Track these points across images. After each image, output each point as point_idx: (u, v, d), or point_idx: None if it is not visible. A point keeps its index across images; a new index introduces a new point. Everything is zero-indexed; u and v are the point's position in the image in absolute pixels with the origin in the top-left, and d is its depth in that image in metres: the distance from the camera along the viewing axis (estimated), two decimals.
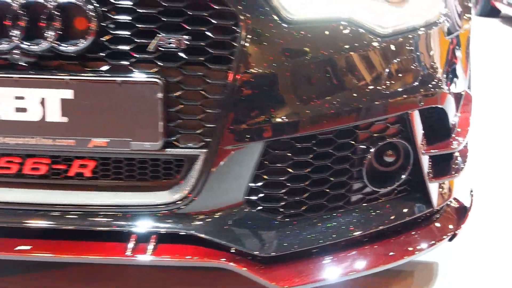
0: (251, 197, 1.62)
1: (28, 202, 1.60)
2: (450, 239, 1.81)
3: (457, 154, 1.90)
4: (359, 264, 1.67)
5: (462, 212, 1.90)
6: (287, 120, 1.54)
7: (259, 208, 1.64)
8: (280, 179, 1.63)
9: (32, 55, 1.48)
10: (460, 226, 1.84)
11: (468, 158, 2.05)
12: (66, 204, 1.59)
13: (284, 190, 1.64)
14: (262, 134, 1.53)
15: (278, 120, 1.53)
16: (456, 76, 1.89)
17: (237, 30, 1.47)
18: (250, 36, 1.48)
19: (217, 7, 1.46)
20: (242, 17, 1.47)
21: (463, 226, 1.87)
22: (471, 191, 1.99)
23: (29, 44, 1.46)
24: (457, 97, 1.88)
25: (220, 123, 1.51)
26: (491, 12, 8.64)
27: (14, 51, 1.46)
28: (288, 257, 1.63)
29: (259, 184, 1.62)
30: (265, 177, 1.62)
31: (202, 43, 1.47)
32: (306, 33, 1.54)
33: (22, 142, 1.52)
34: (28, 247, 1.56)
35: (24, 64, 1.50)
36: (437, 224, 1.83)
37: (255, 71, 1.50)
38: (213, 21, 1.47)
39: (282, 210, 1.65)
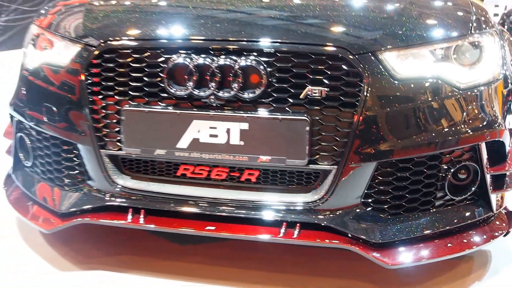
0: (365, 200, 1.62)
1: (213, 197, 1.65)
2: (505, 235, 1.75)
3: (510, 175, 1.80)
4: (443, 251, 1.64)
5: (511, 216, 1.81)
6: (393, 147, 1.54)
7: (370, 207, 1.63)
8: (386, 188, 1.62)
9: (222, 100, 1.55)
10: (511, 226, 1.77)
11: None
12: (239, 199, 1.64)
13: (389, 196, 1.63)
14: (375, 157, 1.54)
15: (386, 147, 1.54)
16: (510, 118, 1.82)
17: (361, 84, 1.50)
18: (369, 88, 1.50)
19: (348, 69, 1.50)
20: (365, 75, 1.50)
21: None
22: None
23: (220, 92, 1.54)
24: (511, 132, 1.81)
25: (346, 148, 1.52)
26: None
27: (210, 97, 1.55)
28: (390, 244, 1.60)
29: (372, 191, 1.62)
30: (376, 186, 1.61)
31: (337, 93, 1.51)
32: (409, 87, 1.55)
33: (213, 157, 1.58)
34: (213, 227, 1.62)
35: (216, 105, 1.57)
36: (497, 223, 1.76)
37: (372, 113, 1.52)
38: (345, 78, 1.51)
39: (387, 210, 1.64)
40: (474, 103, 1.65)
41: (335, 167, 1.54)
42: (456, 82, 1.61)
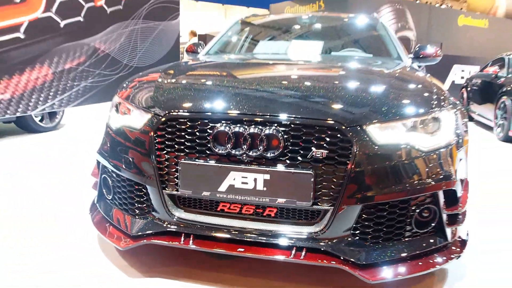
0: (354, 231, 1.65)
1: (243, 226, 1.70)
2: (458, 258, 1.76)
3: (461, 213, 1.82)
4: (412, 269, 1.65)
5: (463, 244, 1.83)
6: (374, 194, 1.59)
7: (357, 237, 1.66)
8: (369, 223, 1.66)
9: (251, 157, 1.63)
10: (462, 251, 1.78)
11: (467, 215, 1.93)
12: (262, 229, 1.68)
13: (371, 229, 1.66)
14: (361, 200, 1.59)
15: (369, 194, 1.59)
16: (461, 171, 1.84)
17: (351, 148, 1.58)
18: (357, 151, 1.57)
19: (342, 137, 1.59)
20: (354, 141, 1.58)
21: (464, 251, 1.81)
22: (467, 233, 1.90)
23: (250, 152, 1.62)
24: (461, 182, 1.84)
25: (340, 194, 1.58)
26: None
27: (243, 155, 1.63)
28: (371, 264, 1.63)
29: (359, 225, 1.65)
30: (361, 221, 1.65)
31: (333, 154, 1.58)
32: (386, 150, 1.62)
33: (243, 198, 1.65)
34: (242, 249, 1.67)
35: (247, 161, 1.64)
36: (453, 248, 1.77)
37: (359, 169, 1.57)
38: (339, 143, 1.59)
39: (370, 239, 1.66)
40: (435, 162, 1.69)
41: (332, 207, 1.59)
42: (421, 147, 1.67)
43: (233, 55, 3.25)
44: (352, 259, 1.61)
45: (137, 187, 1.85)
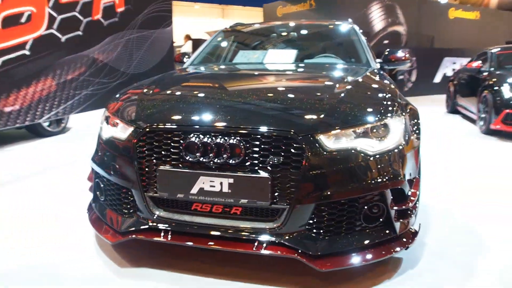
0: (308, 227, 1.76)
1: (213, 223, 1.82)
2: (406, 249, 1.86)
3: (411, 208, 1.92)
4: (359, 259, 1.77)
5: (414, 235, 1.92)
6: (325, 194, 1.70)
7: (312, 231, 1.76)
8: (322, 219, 1.76)
9: (217, 164, 1.75)
10: (411, 242, 1.88)
11: (418, 210, 2.05)
12: (229, 225, 1.81)
13: (323, 224, 1.77)
14: (313, 200, 1.71)
15: (320, 194, 1.70)
16: (410, 170, 1.93)
17: (303, 155, 1.69)
18: (308, 157, 1.69)
19: (295, 145, 1.71)
20: (306, 148, 1.69)
21: (415, 242, 1.90)
22: (419, 225, 2.01)
23: (216, 159, 1.75)
24: (411, 181, 1.94)
25: (295, 195, 1.69)
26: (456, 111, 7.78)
27: (210, 162, 1.76)
28: (324, 255, 1.74)
29: (312, 221, 1.76)
30: (315, 218, 1.75)
31: (288, 160, 1.71)
32: (335, 156, 1.73)
33: (212, 199, 1.78)
34: (212, 243, 1.80)
35: (214, 168, 1.76)
36: (403, 240, 1.87)
37: (310, 173, 1.69)
38: (293, 151, 1.71)
39: (322, 233, 1.77)
40: (382, 164, 1.78)
41: (288, 206, 1.72)
42: (369, 151, 1.77)
43: (214, 65, 3.41)
44: (305, 251, 1.73)
45: (124, 190, 2.00)
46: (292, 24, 3.86)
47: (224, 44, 3.81)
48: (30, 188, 3.34)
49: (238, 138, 1.75)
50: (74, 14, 5.18)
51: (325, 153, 1.73)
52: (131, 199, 1.97)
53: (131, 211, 1.99)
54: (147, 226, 1.92)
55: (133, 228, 1.94)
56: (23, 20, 4.48)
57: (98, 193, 2.23)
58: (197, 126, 1.83)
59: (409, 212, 1.92)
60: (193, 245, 1.83)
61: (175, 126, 1.86)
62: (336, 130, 1.77)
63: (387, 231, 1.86)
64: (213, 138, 1.76)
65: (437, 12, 14.02)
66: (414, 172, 1.99)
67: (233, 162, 1.75)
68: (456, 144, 5.34)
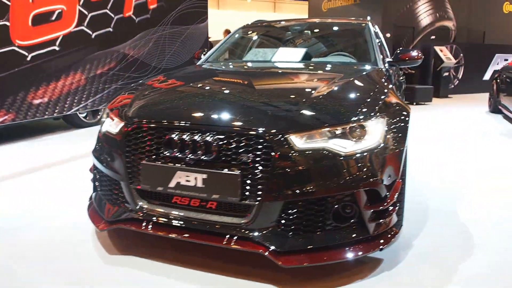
0: (277, 223, 1.78)
1: (191, 216, 1.89)
2: (381, 250, 1.84)
3: (389, 210, 1.89)
4: (326, 257, 1.78)
5: (391, 237, 1.89)
6: (293, 192, 1.72)
7: (281, 228, 1.78)
8: (290, 217, 1.78)
9: (193, 160, 1.82)
10: (387, 244, 1.84)
11: (401, 212, 2.04)
12: (205, 219, 1.87)
13: (292, 221, 1.78)
14: (282, 197, 1.74)
15: (289, 192, 1.72)
16: (390, 173, 1.89)
17: (272, 153, 1.74)
18: (278, 156, 1.73)
19: (265, 144, 1.76)
20: (275, 148, 1.74)
21: (392, 244, 1.87)
22: (401, 225, 2.00)
23: (192, 156, 1.83)
24: (389, 184, 1.88)
25: (263, 192, 1.73)
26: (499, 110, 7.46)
27: (186, 158, 1.84)
28: (289, 252, 1.76)
29: (281, 218, 1.78)
30: (284, 215, 1.78)
31: (258, 159, 1.76)
32: (304, 155, 1.75)
33: (188, 193, 1.86)
34: (187, 235, 1.87)
35: (190, 163, 1.83)
36: (381, 241, 1.86)
37: (279, 171, 1.72)
38: (263, 150, 1.75)
39: (291, 230, 1.79)
40: (355, 165, 1.77)
41: (257, 203, 1.75)
42: (341, 152, 1.77)
43: (220, 63, 3.47)
44: (272, 247, 1.77)
45: (114, 181, 2.11)
46: (307, 22, 3.86)
47: (239, 41, 3.89)
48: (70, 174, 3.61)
49: (212, 135, 1.81)
50: (105, 12, 5.47)
51: (294, 152, 1.75)
52: (120, 190, 2.07)
53: (120, 201, 2.10)
54: (131, 217, 2.02)
55: (119, 218, 2.05)
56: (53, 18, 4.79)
57: (96, 183, 2.38)
58: (176, 123, 1.91)
59: (386, 214, 1.90)
60: (167, 235, 1.91)
61: (156, 123, 1.95)
62: (307, 130, 1.79)
63: (360, 232, 1.85)
64: (190, 135, 1.83)
65: (490, 6, 13.24)
66: (394, 175, 1.94)
67: (207, 158, 1.81)
68: (492, 144, 5.10)
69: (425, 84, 10.85)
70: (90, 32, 5.30)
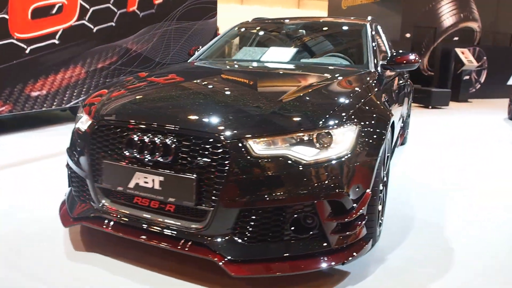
0: (233, 231, 1.75)
1: (149, 218, 1.88)
2: (343, 264, 1.79)
3: (354, 223, 1.83)
4: (282, 268, 1.74)
5: (357, 250, 1.85)
6: (249, 199, 1.69)
7: (236, 236, 1.76)
8: (247, 225, 1.75)
9: (151, 161, 1.81)
10: (352, 257, 1.80)
11: (375, 225, 1.99)
12: (162, 221, 1.86)
13: (249, 230, 1.75)
14: (237, 205, 1.71)
15: (244, 199, 1.69)
16: (359, 184, 1.83)
17: (229, 158, 1.70)
18: (234, 161, 1.69)
19: (222, 149, 1.72)
20: (232, 153, 1.70)
21: (357, 258, 1.83)
22: (372, 239, 1.94)
23: (150, 157, 1.81)
24: (357, 197, 1.82)
25: (219, 197, 1.70)
26: None
27: (145, 159, 1.83)
28: (241, 261, 1.74)
29: (237, 225, 1.75)
30: (240, 223, 1.75)
31: (214, 163, 1.73)
32: (263, 161, 1.70)
33: (146, 195, 1.85)
34: (145, 237, 1.87)
35: (148, 164, 1.83)
36: (341, 254, 1.80)
37: (235, 177, 1.69)
38: (220, 154, 1.72)
39: (247, 238, 1.76)
40: (317, 174, 1.71)
41: (212, 209, 1.72)
42: (302, 160, 1.71)
43: (205, 61, 3.41)
44: (224, 254, 1.74)
45: (81, 179, 2.12)
46: (304, 21, 3.80)
47: (233, 39, 3.86)
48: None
49: (171, 137, 1.79)
50: (107, 6, 5.52)
51: (252, 158, 1.71)
52: (86, 187, 2.08)
53: (86, 199, 2.11)
54: (94, 215, 2.03)
55: (83, 216, 2.06)
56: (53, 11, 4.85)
57: (68, 180, 2.39)
58: (137, 124, 1.90)
59: (351, 226, 1.84)
60: (124, 236, 1.92)
61: (119, 122, 1.95)
62: (268, 136, 1.74)
63: (321, 244, 1.80)
64: (150, 136, 1.82)
65: None
66: (363, 187, 1.86)
67: (165, 160, 1.80)
68: (505, 153, 4.93)
69: (445, 87, 10.56)
70: (92, 26, 5.36)
